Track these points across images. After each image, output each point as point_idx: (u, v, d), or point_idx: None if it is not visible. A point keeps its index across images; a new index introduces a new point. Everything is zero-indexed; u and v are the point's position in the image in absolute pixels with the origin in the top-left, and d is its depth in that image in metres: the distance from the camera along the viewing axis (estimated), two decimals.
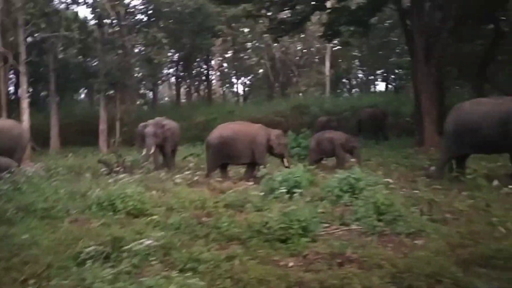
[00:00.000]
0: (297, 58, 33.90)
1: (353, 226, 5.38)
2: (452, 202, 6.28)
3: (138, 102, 31.69)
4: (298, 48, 33.85)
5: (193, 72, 33.30)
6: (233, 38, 32.37)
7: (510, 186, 7.51)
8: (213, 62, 38.19)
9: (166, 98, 42.64)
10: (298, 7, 15.28)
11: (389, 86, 34.58)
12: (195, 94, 37.88)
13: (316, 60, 33.27)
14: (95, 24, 19.23)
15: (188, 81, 34.91)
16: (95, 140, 19.14)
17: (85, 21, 21.32)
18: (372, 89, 36.88)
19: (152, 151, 11.15)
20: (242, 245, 4.63)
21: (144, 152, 11.18)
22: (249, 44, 35.30)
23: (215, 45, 30.70)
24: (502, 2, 16.16)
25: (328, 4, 17.39)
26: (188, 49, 25.92)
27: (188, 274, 3.67)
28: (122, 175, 7.96)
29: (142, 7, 21.92)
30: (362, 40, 24.16)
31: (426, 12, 13.58)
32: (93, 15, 19.20)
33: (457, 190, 7.33)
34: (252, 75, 40.34)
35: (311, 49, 33.56)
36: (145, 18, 22.12)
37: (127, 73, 18.57)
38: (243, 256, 4.14)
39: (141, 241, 4.15)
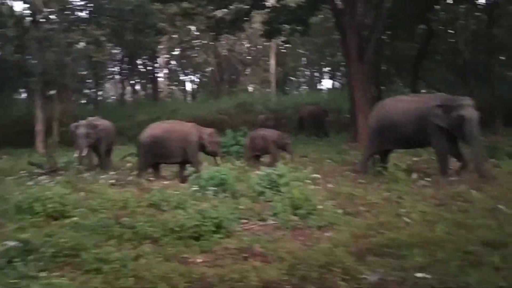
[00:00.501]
0: (244, 55, 34.20)
1: (270, 221, 5.55)
2: (369, 195, 6.57)
3: (81, 101, 31.06)
4: (246, 45, 34.15)
5: (137, 70, 32.71)
6: (179, 36, 32.11)
7: (427, 179, 8.01)
8: (159, 60, 37.97)
9: (114, 97, 41.84)
10: (233, 6, 15.39)
11: (335, 83, 35.46)
12: (143, 92, 37.39)
13: (263, 58, 33.65)
14: (30, 20, 18.54)
15: (133, 79, 34.27)
16: (33, 141, 18.49)
17: (21, 17, 20.56)
18: (320, 87, 37.62)
19: (85, 152, 10.93)
20: (155, 243, 4.69)
21: (76, 153, 10.97)
22: (196, 42, 35.15)
23: (160, 43, 30.48)
24: (432, 4, 16.93)
25: (270, 2, 17.65)
26: (131, 47, 25.47)
27: (91, 275, 3.70)
28: (43, 177, 7.79)
29: (82, 3, 21.34)
30: (307, 38, 24.57)
31: (359, 12, 14.02)
32: (28, 11, 18.55)
33: (377, 183, 7.71)
34: (201, 73, 40.26)
35: (258, 47, 33.92)
36: (85, 15, 21.54)
37: (64, 71, 18.03)
38: (151, 255, 4.20)
39: (4, 243, 4.15)
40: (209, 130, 9.63)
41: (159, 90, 39.83)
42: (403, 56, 19.72)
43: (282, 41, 20.21)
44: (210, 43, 30.83)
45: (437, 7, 18.29)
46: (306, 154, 12.36)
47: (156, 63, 35.41)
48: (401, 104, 8.63)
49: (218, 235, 4.81)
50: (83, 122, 11.34)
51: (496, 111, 15.22)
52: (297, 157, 12.08)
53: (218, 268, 3.93)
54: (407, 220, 5.26)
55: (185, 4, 13.08)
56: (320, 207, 5.78)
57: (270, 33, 18.34)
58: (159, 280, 3.64)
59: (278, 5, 17.49)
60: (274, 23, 17.78)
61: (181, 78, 42.07)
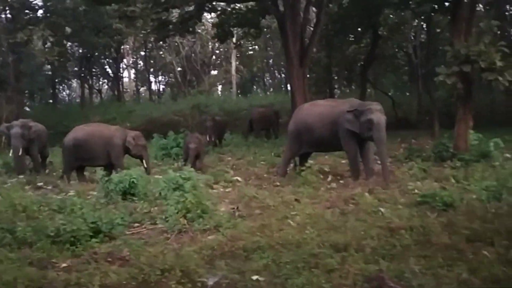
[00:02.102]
0: (208, 57, 34.30)
1: (159, 225, 5.66)
2: (269, 198, 6.72)
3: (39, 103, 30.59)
4: (210, 47, 34.23)
5: (101, 71, 32.45)
6: (144, 36, 31.97)
7: (341, 182, 8.26)
8: (126, 60, 37.74)
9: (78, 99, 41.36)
10: (179, 9, 15.46)
11: None
12: (111, 93, 37.10)
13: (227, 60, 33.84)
14: None
15: (95, 80, 33.98)
16: None
17: None
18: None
19: (20, 152, 10.86)
20: (30, 248, 4.75)
21: (10, 154, 10.92)
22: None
23: (123, 43, 30.31)
24: (378, 10, 17.27)
25: (220, 6, 17.73)
26: (89, 47, 25.23)
27: None
28: None
29: (33, 2, 21.10)
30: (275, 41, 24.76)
31: (300, 17, 14.28)
32: None
33: (290, 186, 7.89)
34: (167, 73, 40.12)
35: (221, 49, 34.10)
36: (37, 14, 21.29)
37: (8, 71, 17.76)
38: (11, 260, 4.25)
39: None
40: (133, 133, 9.68)
41: (124, 90, 39.75)
42: (352, 59, 20.07)
43: (236, 44, 20.26)
44: (176, 44, 30.96)
45: (387, 11, 18.69)
46: (243, 156, 12.52)
47: (120, 63, 35.25)
48: (316, 108, 8.86)
49: (95, 240, 4.89)
50: (16, 122, 11.26)
51: (434, 114, 15.67)
52: (234, 159, 12.31)
53: (74, 273, 4.02)
54: (291, 223, 5.44)
55: (122, 7, 13.03)
56: (214, 210, 5.91)
57: (221, 35, 18.44)
58: (3, 285, 3.70)
59: (228, 8, 17.64)
60: (225, 26, 17.92)
61: (150, 79, 41.97)
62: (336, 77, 20.95)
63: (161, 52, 36.35)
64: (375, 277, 3.54)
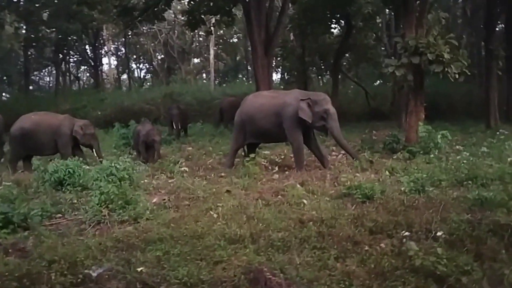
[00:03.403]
0: (188, 44, 34.06)
1: (79, 216, 5.62)
2: (200, 189, 6.70)
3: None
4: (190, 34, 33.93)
5: (72, 57, 32.10)
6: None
7: (287, 173, 8.28)
8: (106, 48, 37.34)
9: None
10: None
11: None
12: (89, 80, 36.75)
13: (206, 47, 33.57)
14: None
15: (71, 66, 33.62)
16: None
17: None
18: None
19: None
20: None
21: None
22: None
23: (101, 29, 29.96)
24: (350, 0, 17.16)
25: None
26: (61, 34, 24.86)
27: None
28: None
29: None
30: None
31: (266, 6, 14.20)
32: None
33: (234, 176, 7.87)
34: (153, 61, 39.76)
35: (201, 38, 33.84)
36: None
37: None
38: None
39: None
40: (81, 122, 9.60)
41: (105, 78, 39.41)
42: (326, 50, 19.99)
43: (208, 32, 20.05)
44: (153, 30, 30.65)
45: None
46: (203, 146, 12.50)
47: (100, 50, 34.88)
48: (260, 99, 8.86)
49: (5, 230, 4.84)
50: None
51: (401, 105, 15.69)
52: (195, 149, 12.28)
53: None
54: (213, 214, 5.42)
55: None
56: (139, 201, 5.87)
57: (192, 23, 18.23)
58: None
59: None
60: (196, 13, 17.71)
61: (131, 66, 41.57)
62: (310, 68, 20.75)
63: (142, 39, 36.16)
64: (254, 269, 3.54)
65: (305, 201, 5.73)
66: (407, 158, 8.70)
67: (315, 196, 6.07)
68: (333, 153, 10.48)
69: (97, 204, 5.63)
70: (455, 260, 3.80)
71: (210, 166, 9.47)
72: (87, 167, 7.64)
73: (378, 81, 23.62)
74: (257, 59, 14.28)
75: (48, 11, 20.48)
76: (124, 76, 40.24)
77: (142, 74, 42.10)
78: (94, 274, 3.64)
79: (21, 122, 9.49)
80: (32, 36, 21.07)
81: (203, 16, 18.44)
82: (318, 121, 8.29)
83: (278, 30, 14.72)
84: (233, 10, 17.69)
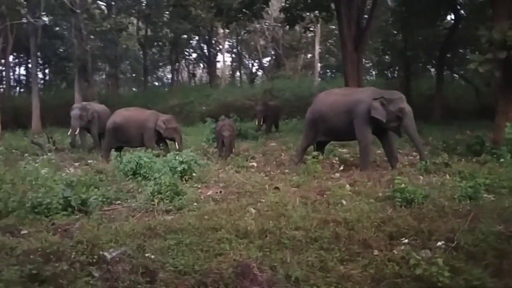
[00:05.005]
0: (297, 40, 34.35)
1: (133, 204, 6.15)
2: (253, 183, 6.93)
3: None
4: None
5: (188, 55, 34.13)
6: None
7: (351, 171, 8.13)
8: (221, 46, 39.13)
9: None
10: None
11: None
12: (206, 77, 38.90)
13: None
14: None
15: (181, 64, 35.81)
16: None
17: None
18: None
19: (77, 132, 12.19)
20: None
21: (69, 132, 12.31)
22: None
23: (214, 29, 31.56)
24: None
25: None
26: (174, 33, 26.69)
27: None
28: None
29: None
30: None
31: (357, 1, 13.89)
32: None
33: (295, 173, 7.93)
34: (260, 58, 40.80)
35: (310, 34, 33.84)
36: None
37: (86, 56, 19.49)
38: None
39: None
40: (165, 117, 10.32)
41: (217, 75, 41.34)
42: (431, 43, 18.83)
43: (306, 28, 20.08)
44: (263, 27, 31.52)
45: None
46: (286, 142, 12.63)
47: (215, 48, 36.74)
48: (331, 97, 8.76)
49: (64, 213, 5.50)
50: (77, 104, 12.60)
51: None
52: (279, 145, 12.47)
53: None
54: (252, 210, 5.60)
55: None
56: (185, 192, 6.25)
57: (290, 20, 18.41)
58: None
59: None
60: (293, 10, 17.87)
61: (245, 62, 43.07)
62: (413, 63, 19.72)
63: (255, 37, 37.24)
64: (243, 263, 3.66)
65: (344, 202, 5.64)
66: (488, 161, 7.99)
67: (360, 197, 5.93)
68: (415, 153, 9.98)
69: (150, 194, 6.13)
70: (469, 272, 3.56)
71: (280, 162, 9.62)
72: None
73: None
74: (346, 54, 14.04)
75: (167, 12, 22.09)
76: (239, 73, 42.00)
77: (254, 70, 43.45)
78: (109, 256, 4.03)
79: (114, 116, 10.55)
80: (151, 35, 22.79)
81: (301, 13, 18.55)
82: (393, 121, 8.00)
83: (370, 25, 14.30)
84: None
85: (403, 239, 4.26)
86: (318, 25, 25.56)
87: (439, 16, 17.96)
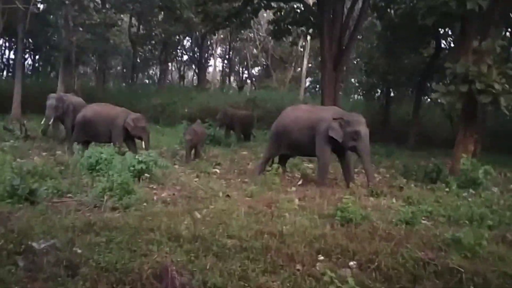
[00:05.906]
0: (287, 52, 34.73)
1: (83, 198, 6.23)
2: (211, 190, 7.07)
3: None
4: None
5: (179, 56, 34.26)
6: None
7: (309, 186, 8.29)
8: (214, 50, 39.37)
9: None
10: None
11: None
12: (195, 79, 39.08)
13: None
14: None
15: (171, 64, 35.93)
16: None
17: None
18: None
19: (50, 122, 12.21)
20: None
21: (43, 121, 12.33)
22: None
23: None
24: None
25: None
26: (165, 34, 26.83)
27: None
28: None
29: None
30: None
31: (340, 22, 14.20)
32: None
33: (253, 183, 8.07)
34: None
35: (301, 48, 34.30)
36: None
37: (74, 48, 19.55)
38: None
39: None
40: (134, 115, 10.39)
41: (207, 78, 41.46)
42: (412, 69, 19.23)
43: (293, 42, 20.39)
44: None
45: None
46: (258, 152, 12.75)
47: (207, 52, 36.97)
48: (295, 112, 8.93)
49: (9, 200, 5.59)
50: (53, 95, 12.63)
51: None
52: (250, 154, 12.63)
53: None
54: (197, 215, 5.71)
55: None
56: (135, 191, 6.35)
57: (277, 33, 18.64)
58: None
59: (285, 5, 17.75)
60: (281, 23, 18.10)
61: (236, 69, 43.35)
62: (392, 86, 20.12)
63: (247, 45, 37.53)
64: (162, 266, 3.77)
65: (287, 215, 5.78)
66: (440, 189, 8.21)
67: (305, 212, 6.07)
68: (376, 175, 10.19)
69: (101, 190, 6.22)
70: None
71: (244, 171, 9.76)
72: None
73: None
74: (325, 73, 14.28)
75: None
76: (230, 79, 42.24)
77: (244, 78, 43.71)
78: (37, 247, 4.11)
79: (85, 110, 10.59)
80: (142, 33, 22.85)
81: (289, 27, 18.80)
82: (349, 141, 8.20)
83: (350, 46, 14.60)
84: None
85: (320, 256, 4.40)
86: (308, 40, 26.04)
87: (423, 44, 18.31)
